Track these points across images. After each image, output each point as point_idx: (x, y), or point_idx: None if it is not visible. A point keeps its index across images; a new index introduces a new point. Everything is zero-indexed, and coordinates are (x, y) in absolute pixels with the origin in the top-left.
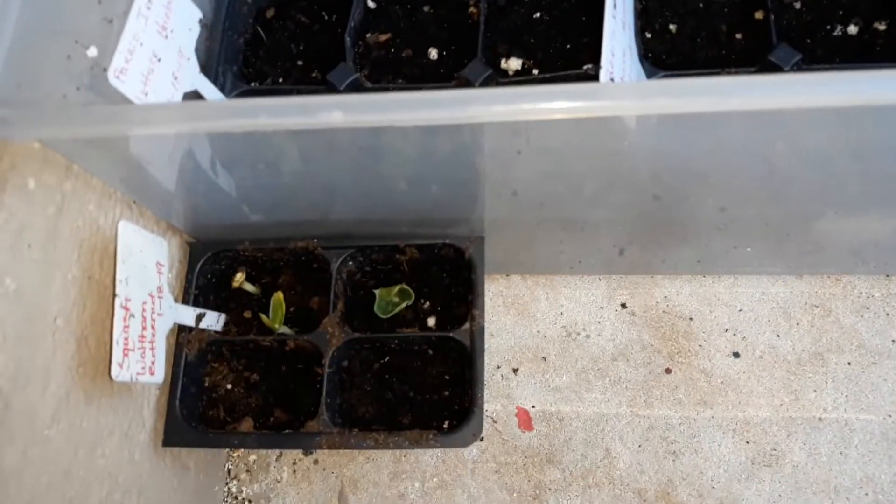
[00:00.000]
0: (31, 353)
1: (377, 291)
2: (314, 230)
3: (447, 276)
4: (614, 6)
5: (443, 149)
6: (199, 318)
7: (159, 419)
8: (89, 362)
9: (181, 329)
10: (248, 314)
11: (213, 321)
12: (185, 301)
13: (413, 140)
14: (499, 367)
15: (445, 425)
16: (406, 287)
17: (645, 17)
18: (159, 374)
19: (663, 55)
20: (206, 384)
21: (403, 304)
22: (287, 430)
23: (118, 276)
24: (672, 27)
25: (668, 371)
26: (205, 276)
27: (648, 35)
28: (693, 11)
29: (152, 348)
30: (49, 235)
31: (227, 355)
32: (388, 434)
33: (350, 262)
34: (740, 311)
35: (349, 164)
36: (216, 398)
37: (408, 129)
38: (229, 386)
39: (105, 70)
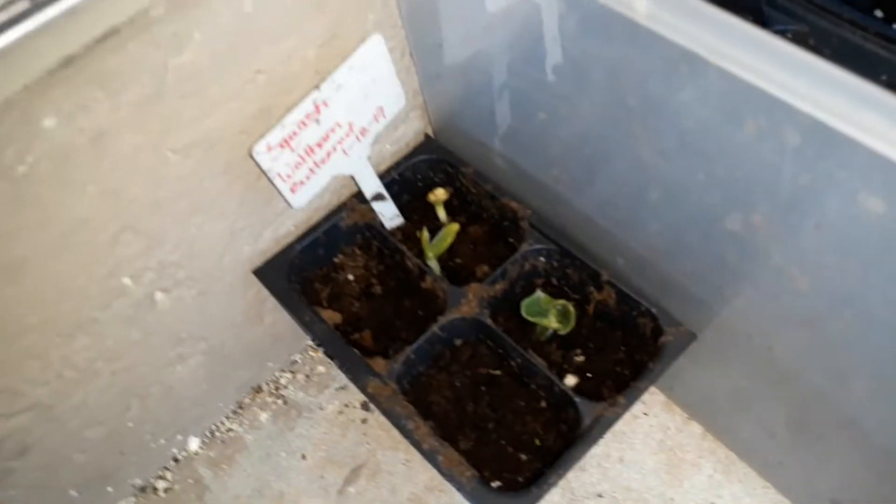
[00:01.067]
0: (220, 91)
1: (539, 292)
2: (540, 201)
3: (624, 349)
4: None
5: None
6: (378, 196)
7: (270, 249)
8: (254, 133)
9: (354, 195)
10: (419, 234)
11: (388, 213)
12: (381, 179)
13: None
14: (600, 496)
15: (495, 483)
16: (571, 309)
17: None
18: (299, 199)
19: None
20: (336, 260)
21: (553, 325)
22: (356, 351)
23: (333, 76)
24: None
25: None
26: (414, 172)
27: None
28: None
29: (311, 171)
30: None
31: (372, 249)
32: (431, 440)
33: (541, 257)
34: None
35: (626, 125)
36: (331, 278)
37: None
38: (351, 277)
39: None
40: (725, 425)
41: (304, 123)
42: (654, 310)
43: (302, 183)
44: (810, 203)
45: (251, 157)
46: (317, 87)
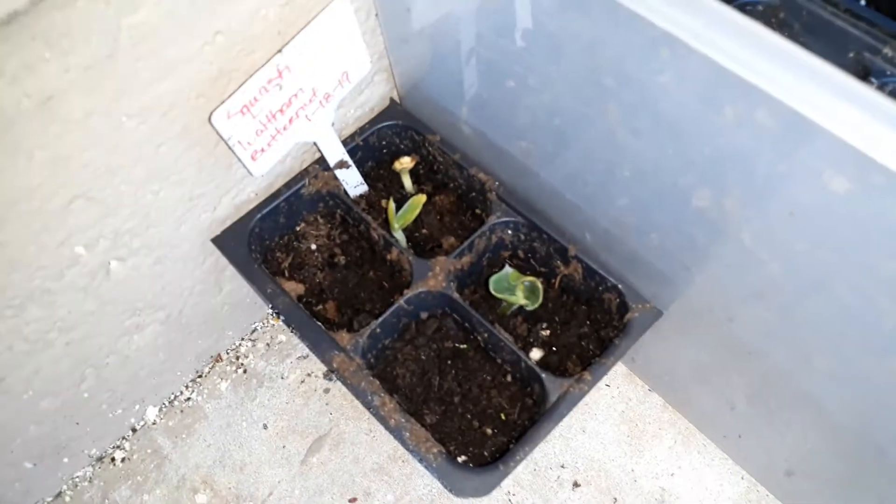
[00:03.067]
0: (177, 52)
1: (507, 267)
2: (508, 172)
3: (589, 324)
4: None
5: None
6: (342, 164)
7: (230, 217)
8: (213, 100)
9: (317, 162)
10: (385, 203)
11: (352, 180)
12: (345, 145)
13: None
14: (563, 467)
15: (461, 458)
16: (538, 285)
17: None
18: (260, 166)
19: None
20: (298, 228)
21: (520, 301)
22: (320, 325)
23: (295, 40)
24: None
25: None
26: (379, 138)
27: None
28: None
29: (273, 138)
30: None
31: (336, 218)
32: (396, 412)
33: (509, 230)
34: None
35: (600, 102)
36: (293, 247)
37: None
38: (314, 246)
39: None
40: (686, 398)
41: (265, 89)
42: (620, 286)
43: (263, 150)
44: (785, 191)
45: (210, 123)
46: (279, 50)
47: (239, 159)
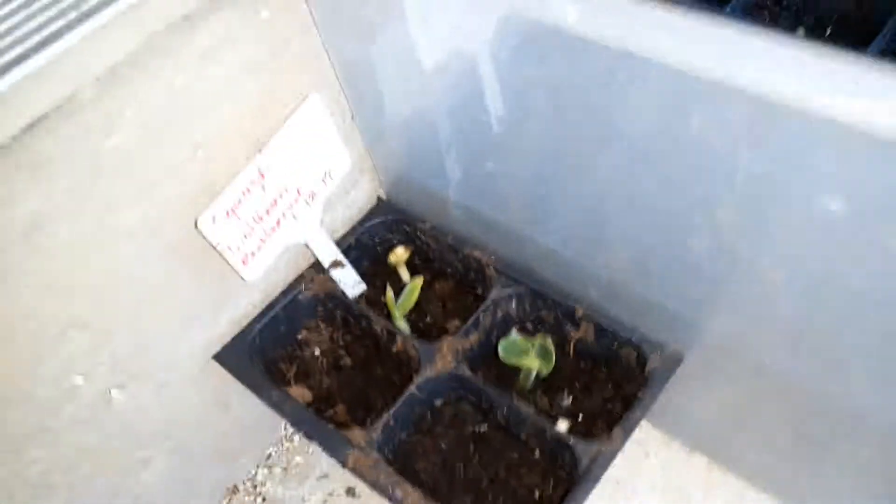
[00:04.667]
0: (159, 169)
1: (514, 332)
2: (503, 245)
3: (611, 385)
4: None
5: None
6: (337, 264)
7: (229, 333)
8: (200, 210)
9: (312, 266)
10: (384, 299)
11: (349, 280)
12: (338, 246)
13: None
14: None
15: None
16: (549, 344)
17: None
18: (252, 271)
19: None
20: (299, 336)
21: (534, 365)
22: (330, 425)
23: (272, 141)
24: None
25: None
26: (371, 236)
27: None
28: None
29: (262, 240)
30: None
31: (336, 320)
32: (422, 501)
33: (512, 302)
34: None
35: (574, 144)
36: (297, 356)
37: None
38: (317, 352)
39: None
40: (729, 451)
41: (248, 190)
42: (634, 338)
43: (253, 254)
44: (769, 187)
45: (197, 229)
46: (259, 151)
47: (230, 264)
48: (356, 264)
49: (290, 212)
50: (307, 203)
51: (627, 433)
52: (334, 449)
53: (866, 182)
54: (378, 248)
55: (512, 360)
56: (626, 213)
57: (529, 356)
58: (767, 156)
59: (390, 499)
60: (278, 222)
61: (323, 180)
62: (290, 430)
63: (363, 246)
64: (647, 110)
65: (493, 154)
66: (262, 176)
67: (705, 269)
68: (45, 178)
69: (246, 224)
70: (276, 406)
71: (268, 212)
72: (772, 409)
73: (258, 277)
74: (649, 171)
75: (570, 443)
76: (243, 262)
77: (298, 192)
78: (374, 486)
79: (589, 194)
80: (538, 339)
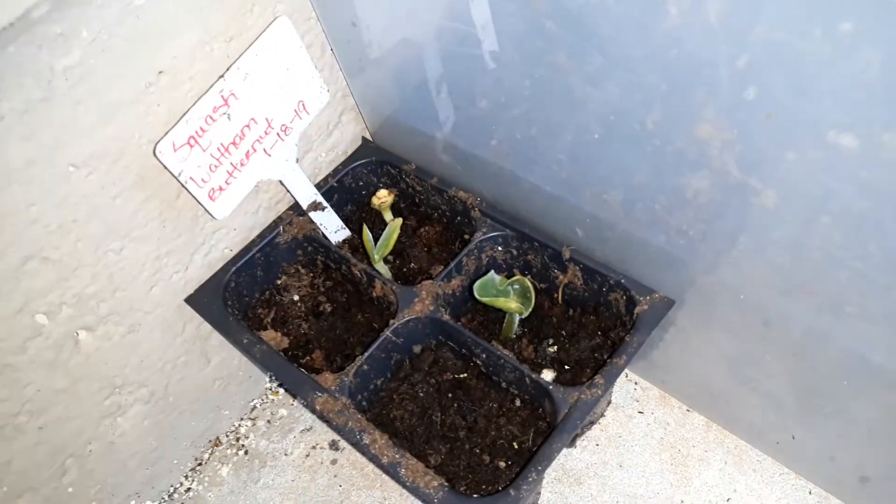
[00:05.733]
0: (119, 94)
1: (493, 272)
2: (489, 185)
3: (601, 333)
4: None
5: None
6: (317, 206)
7: (204, 276)
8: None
9: (291, 208)
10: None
11: (331, 225)
12: (319, 189)
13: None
14: None
15: (474, 494)
16: (528, 284)
17: None
18: (221, 207)
19: None
20: (278, 282)
21: (512, 306)
22: (300, 369)
23: (238, 63)
24: None
25: None
26: (354, 178)
27: None
28: None
29: (230, 174)
30: None
31: (317, 265)
32: (388, 448)
33: (498, 245)
34: None
35: (549, 57)
36: (275, 301)
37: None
38: (296, 297)
39: None
40: (728, 409)
41: (211, 118)
42: (623, 280)
43: (221, 189)
44: (754, 86)
45: (155, 156)
46: (221, 76)
47: (197, 200)
48: (339, 208)
49: (260, 145)
50: (280, 137)
51: (611, 379)
52: (303, 393)
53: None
54: (362, 191)
55: (488, 299)
56: (605, 131)
57: (508, 296)
58: (747, 48)
59: (356, 444)
60: (248, 155)
61: (296, 112)
62: (275, 382)
63: (346, 188)
64: (617, 5)
65: (484, 89)
66: (227, 102)
67: (688, 193)
68: None
69: (210, 156)
70: (246, 350)
71: (234, 143)
72: (770, 361)
73: (228, 215)
74: (624, 78)
75: (550, 389)
76: (210, 198)
77: (269, 123)
78: (342, 432)
79: (568, 115)
80: (516, 279)
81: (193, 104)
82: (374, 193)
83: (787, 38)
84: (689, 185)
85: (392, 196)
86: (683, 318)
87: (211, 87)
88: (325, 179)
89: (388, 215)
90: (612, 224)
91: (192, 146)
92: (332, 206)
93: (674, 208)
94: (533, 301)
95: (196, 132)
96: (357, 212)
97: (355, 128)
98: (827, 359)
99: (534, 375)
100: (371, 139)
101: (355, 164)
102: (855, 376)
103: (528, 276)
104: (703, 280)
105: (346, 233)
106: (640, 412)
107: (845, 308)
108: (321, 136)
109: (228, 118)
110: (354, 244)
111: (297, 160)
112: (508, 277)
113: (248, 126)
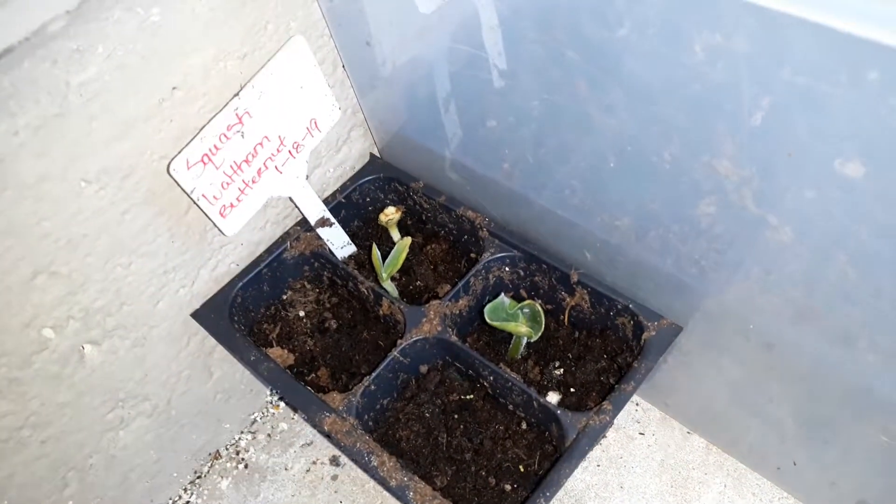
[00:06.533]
0: (133, 110)
1: (503, 296)
2: (498, 206)
3: (606, 357)
4: None
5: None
6: (324, 222)
7: (210, 291)
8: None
9: (298, 223)
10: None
11: (338, 240)
12: (327, 205)
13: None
14: None
15: None
16: (538, 308)
17: None
18: (231, 224)
19: None
20: (284, 297)
21: (522, 330)
22: (307, 387)
23: (253, 82)
24: None
25: None
26: (362, 195)
27: None
28: None
29: (241, 191)
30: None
31: (323, 281)
32: (397, 471)
33: (506, 266)
34: None
35: (569, 85)
36: (281, 316)
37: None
38: (302, 314)
39: None
40: (729, 433)
41: (225, 136)
42: (631, 305)
43: (232, 205)
44: (777, 127)
45: (169, 174)
46: (237, 94)
47: (208, 216)
48: (346, 224)
49: (272, 163)
50: (291, 154)
51: (619, 406)
52: (311, 413)
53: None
54: (369, 207)
55: (498, 323)
56: (621, 160)
57: (518, 320)
58: (772, 89)
59: (364, 466)
60: (259, 172)
61: (308, 130)
62: (276, 396)
63: (354, 204)
64: (643, 41)
65: (494, 109)
66: (241, 120)
67: (702, 224)
68: (8, 113)
69: (223, 173)
70: (253, 367)
71: (247, 161)
72: (774, 388)
73: (238, 231)
74: (644, 110)
75: (558, 414)
76: (221, 215)
77: (281, 140)
78: (350, 453)
79: (583, 140)
80: (526, 303)
81: (208, 122)
82: (381, 210)
83: (813, 82)
84: (703, 216)
85: (399, 213)
86: (689, 342)
87: (226, 104)
88: (333, 195)
89: (395, 232)
90: (622, 249)
91: (205, 164)
92: (339, 222)
93: (687, 237)
94: (543, 325)
95: (210, 150)
96: (364, 227)
97: (364, 144)
98: (832, 388)
99: (542, 399)
100: (379, 155)
101: (363, 180)
102: (859, 406)
103: (536, 298)
104: (712, 308)
105: (352, 248)
106: (640, 433)
107: (856, 342)
108: (330, 151)
109: (242, 136)
110: (361, 260)
111: (307, 177)
112: (515, 298)
113: (260, 144)
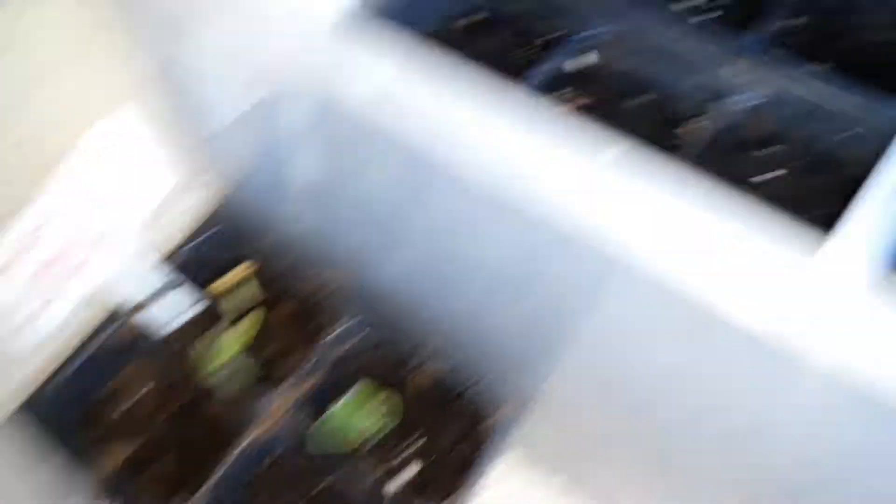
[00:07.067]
0: None
1: (343, 400)
2: (347, 271)
3: (459, 430)
4: None
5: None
6: (154, 297)
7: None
8: None
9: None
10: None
11: (167, 314)
12: (163, 267)
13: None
14: None
15: None
16: (393, 399)
17: None
18: (35, 333)
19: None
20: (114, 385)
21: (379, 427)
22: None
23: (62, 170)
24: None
25: None
26: (206, 251)
27: None
28: None
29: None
30: None
31: (158, 363)
32: None
33: (355, 337)
34: None
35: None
36: (107, 410)
37: None
38: (137, 398)
39: None
40: (586, 477)
41: (27, 245)
42: (482, 379)
43: (39, 312)
44: None
45: None
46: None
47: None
48: (183, 288)
49: (90, 253)
50: (113, 237)
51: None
52: None
53: None
54: (213, 265)
55: (350, 433)
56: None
57: (365, 423)
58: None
59: None
60: (77, 268)
61: (136, 209)
62: None
63: (195, 265)
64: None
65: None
66: (46, 222)
67: (540, 325)
68: None
69: (26, 280)
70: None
71: (62, 256)
72: (623, 441)
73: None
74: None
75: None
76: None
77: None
78: None
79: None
80: (382, 395)
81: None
82: (226, 266)
83: None
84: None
85: (253, 270)
86: (539, 405)
87: (28, 210)
88: (171, 257)
89: (228, 303)
90: (472, 325)
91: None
92: (177, 285)
93: (522, 331)
94: (400, 415)
95: (6, 263)
96: (206, 286)
97: (202, 197)
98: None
99: (391, 492)
100: (223, 207)
101: (204, 235)
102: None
103: (382, 371)
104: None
105: (189, 313)
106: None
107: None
108: (167, 208)
109: (49, 234)
110: (204, 324)
111: (134, 255)
112: (359, 371)
113: (76, 237)
